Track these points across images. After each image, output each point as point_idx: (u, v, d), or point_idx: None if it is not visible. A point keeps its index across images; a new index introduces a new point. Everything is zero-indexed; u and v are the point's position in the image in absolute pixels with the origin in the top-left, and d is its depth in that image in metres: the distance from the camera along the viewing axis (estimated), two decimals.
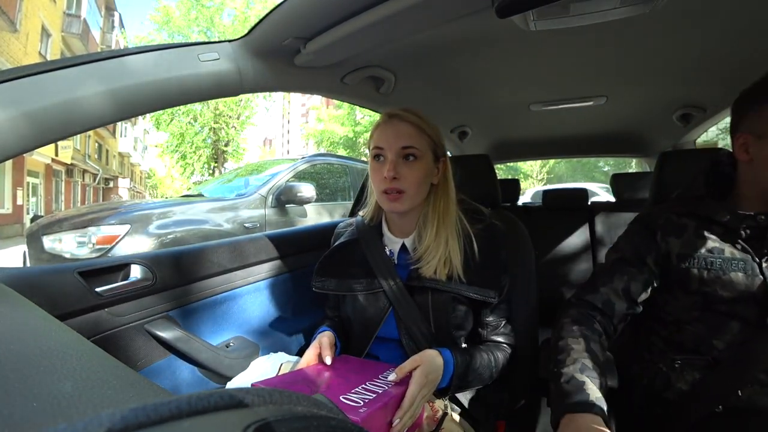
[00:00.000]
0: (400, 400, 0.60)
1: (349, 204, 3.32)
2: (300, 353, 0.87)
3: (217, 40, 0.83)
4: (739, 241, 0.72)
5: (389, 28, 0.76)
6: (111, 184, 21.53)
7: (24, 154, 0.60)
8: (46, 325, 0.37)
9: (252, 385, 0.62)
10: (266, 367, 0.80)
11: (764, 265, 0.70)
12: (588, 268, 1.91)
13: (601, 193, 7.10)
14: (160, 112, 7.50)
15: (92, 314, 0.74)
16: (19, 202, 11.43)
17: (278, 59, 0.86)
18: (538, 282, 0.97)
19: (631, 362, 0.87)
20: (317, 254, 0.92)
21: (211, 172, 12.03)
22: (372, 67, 1.04)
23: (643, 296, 0.79)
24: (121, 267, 0.82)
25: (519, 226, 1.01)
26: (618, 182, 1.94)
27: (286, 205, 3.05)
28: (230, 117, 11.94)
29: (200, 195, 3.35)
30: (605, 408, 0.58)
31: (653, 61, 1.11)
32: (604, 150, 2.42)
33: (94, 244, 2.20)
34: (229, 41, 0.79)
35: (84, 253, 2.20)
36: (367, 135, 0.88)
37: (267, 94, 10.92)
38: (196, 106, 11.14)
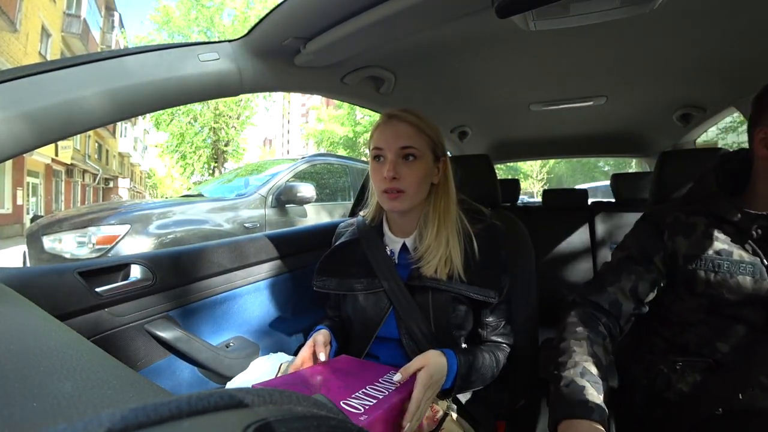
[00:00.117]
0: (400, 406, 0.59)
1: (349, 204, 3.32)
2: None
3: (217, 40, 0.83)
4: (750, 242, 0.70)
5: (389, 28, 0.76)
6: (111, 184, 21.53)
7: (24, 154, 0.60)
8: (46, 325, 0.37)
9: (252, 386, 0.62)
10: (266, 367, 0.80)
11: None
12: (588, 268, 1.91)
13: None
14: (160, 112, 7.50)
15: (92, 314, 0.74)
16: (19, 202, 11.43)
17: (278, 59, 0.86)
18: (538, 282, 0.97)
19: (632, 362, 0.86)
20: (317, 254, 0.92)
21: (211, 172, 12.03)
22: (372, 67, 1.04)
23: (651, 296, 0.77)
24: (121, 267, 0.82)
25: (519, 226, 1.01)
26: (618, 182, 1.94)
27: (286, 205, 3.05)
28: (230, 117, 11.94)
29: (200, 195, 3.34)
30: (606, 414, 0.56)
31: (653, 61, 1.11)
32: (604, 150, 2.42)
33: (94, 244, 2.20)
34: (229, 41, 0.79)
35: (84, 253, 2.20)
36: (367, 135, 0.88)
37: (267, 94, 10.92)
38: (196, 106, 11.14)
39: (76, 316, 0.72)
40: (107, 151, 21.17)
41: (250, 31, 0.78)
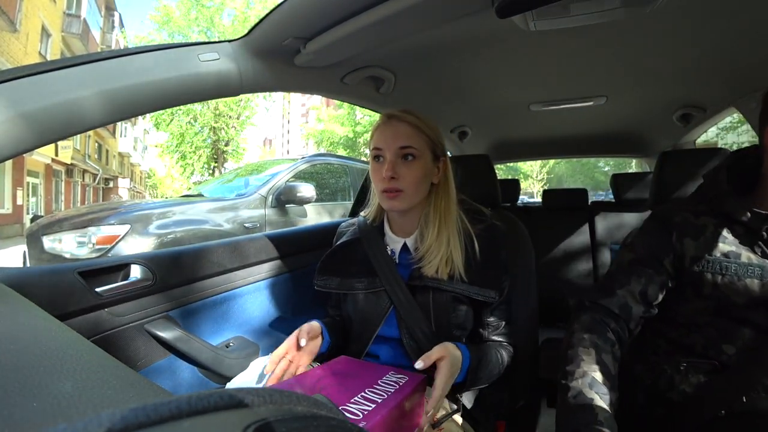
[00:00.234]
0: (399, 408, 0.59)
1: (349, 204, 3.32)
2: None
3: (217, 40, 0.83)
4: (760, 243, 0.68)
5: (389, 28, 0.76)
6: (111, 184, 21.53)
7: (24, 154, 0.60)
8: (46, 325, 0.37)
9: None
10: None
11: None
12: (588, 268, 1.91)
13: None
14: (160, 112, 7.50)
15: (92, 314, 0.74)
16: (19, 202, 11.43)
17: (278, 59, 0.86)
18: (538, 282, 0.97)
19: (635, 362, 0.85)
20: (317, 254, 0.92)
21: (211, 172, 12.03)
22: (372, 67, 1.04)
23: (660, 298, 0.76)
24: (121, 267, 0.82)
25: (519, 226, 1.01)
26: (618, 182, 1.95)
27: (286, 205, 3.05)
28: (230, 117, 11.94)
29: (200, 195, 3.34)
30: (614, 428, 0.55)
31: (653, 61, 1.11)
32: (604, 150, 2.42)
33: (94, 244, 2.20)
34: (229, 41, 0.79)
35: (84, 253, 2.20)
36: (367, 135, 0.88)
37: (267, 94, 10.92)
38: (196, 106, 11.14)
39: (76, 316, 0.72)
40: (107, 151, 21.17)
41: (250, 31, 0.78)
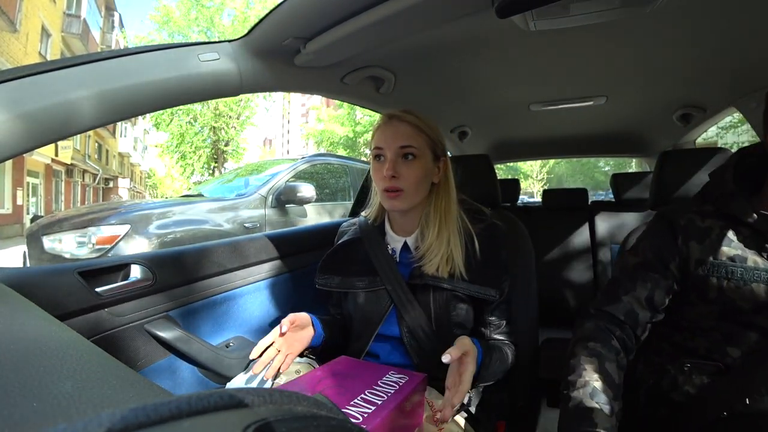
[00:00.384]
0: (399, 409, 0.59)
1: (349, 204, 3.32)
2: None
3: (217, 40, 0.83)
4: (766, 246, 0.67)
5: (389, 28, 0.76)
6: (111, 184, 21.53)
7: (24, 154, 0.60)
8: (46, 325, 0.37)
9: None
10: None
11: None
12: (588, 268, 1.91)
13: None
14: (160, 112, 7.50)
15: (92, 314, 0.74)
16: (19, 202, 11.43)
17: (278, 59, 0.86)
18: (538, 282, 0.97)
19: (637, 362, 0.85)
20: (317, 254, 0.92)
21: (211, 172, 12.03)
22: (372, 67, 1.04)
23: (666, 303, 0.74)
24: (121, 267, 0.82)
25: (519, 226, 1.01)
26: (618, 182, 1.94)
27: (286, 205, 3.05)
28: (230, 117, 11.94)
29: (200, 195, 3.34)
30: None
31: (653, 61, 1.11)
32: (604, 150, 2.42)
33: (94, 244, 2.20)
34: (229, 41, 0.79)
35: (84, 253, 2.20)
36: (367, 135, 0.88)
37: (267, 94, 10.92)
38: (196, 106, 11.14)
39: (76, 316, 0.72)
40: (107, 151, 21.17)
41: (250, 31, 0.78)
